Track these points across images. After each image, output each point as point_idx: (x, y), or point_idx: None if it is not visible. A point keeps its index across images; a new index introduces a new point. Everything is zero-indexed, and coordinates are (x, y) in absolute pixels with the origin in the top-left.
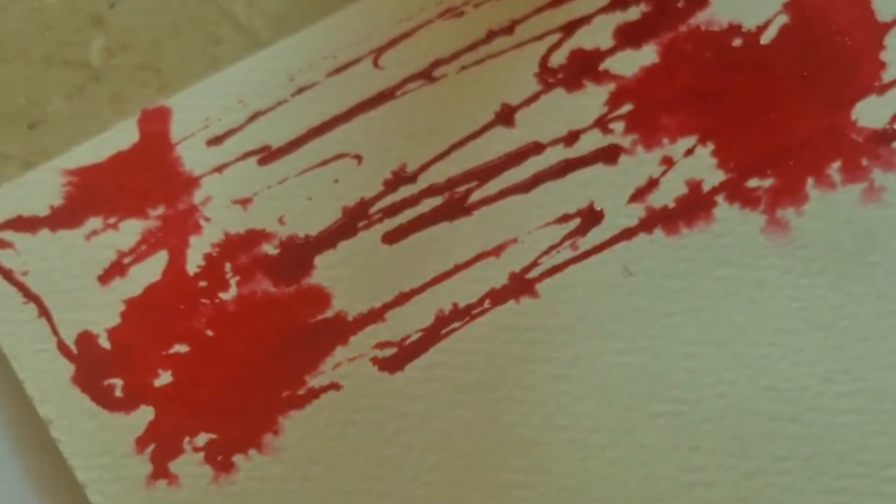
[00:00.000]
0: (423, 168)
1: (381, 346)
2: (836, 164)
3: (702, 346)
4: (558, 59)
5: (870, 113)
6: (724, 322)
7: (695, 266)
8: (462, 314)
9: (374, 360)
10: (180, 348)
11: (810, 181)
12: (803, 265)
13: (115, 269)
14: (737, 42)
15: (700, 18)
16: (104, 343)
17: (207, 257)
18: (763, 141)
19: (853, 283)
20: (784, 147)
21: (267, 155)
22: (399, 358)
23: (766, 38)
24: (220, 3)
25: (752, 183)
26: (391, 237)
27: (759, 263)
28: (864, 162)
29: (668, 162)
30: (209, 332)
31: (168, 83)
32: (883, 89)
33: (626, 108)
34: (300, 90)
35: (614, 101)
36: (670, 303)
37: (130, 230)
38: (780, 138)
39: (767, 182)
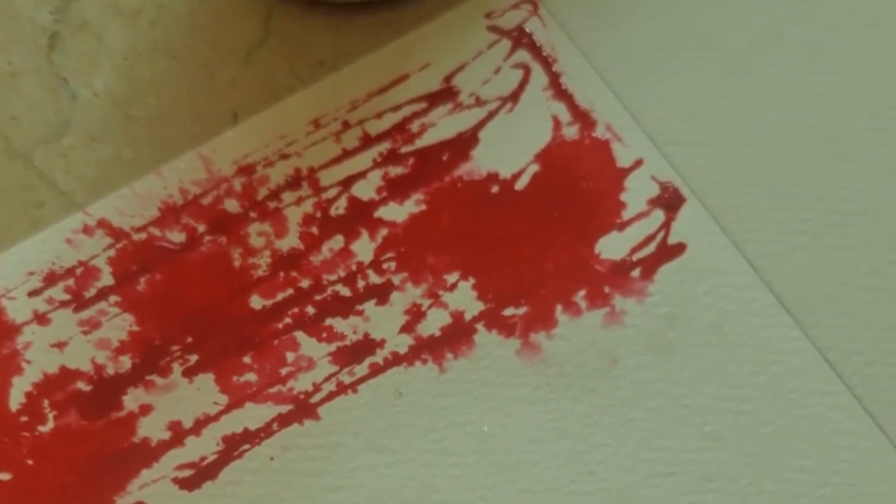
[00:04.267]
0: None
1: (181, 467)
2: (582, 292)
3: (464, 455)
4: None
5: (611, 247)
6: (483, 434)
7: (458, 386)
8: (252, 437)
9: (175, 480)
10: (3, 476)
11: (559, 308)
12: (553, 381)
13: None
14: (494, 189)
15: (462, 170)
16: None
17: (28, 395)
18: (517, 274)
19: (597, 396)
20: (536, 279)
21: (81, 303)
22: (196, 477)
23: (520, 185)
24: (41, 170)
25: (508, 311)
26: (190, 372)
27: (514, 382)
28: (607, 290)
29: (434, 296)
30: (29, 462)
31: None
32: (623, 226)
33: (397, 250)
34: (111, 245)
35: (386, 244)
36: (436, 419)
37: None
38: (532, 271)
39: (521, 310)
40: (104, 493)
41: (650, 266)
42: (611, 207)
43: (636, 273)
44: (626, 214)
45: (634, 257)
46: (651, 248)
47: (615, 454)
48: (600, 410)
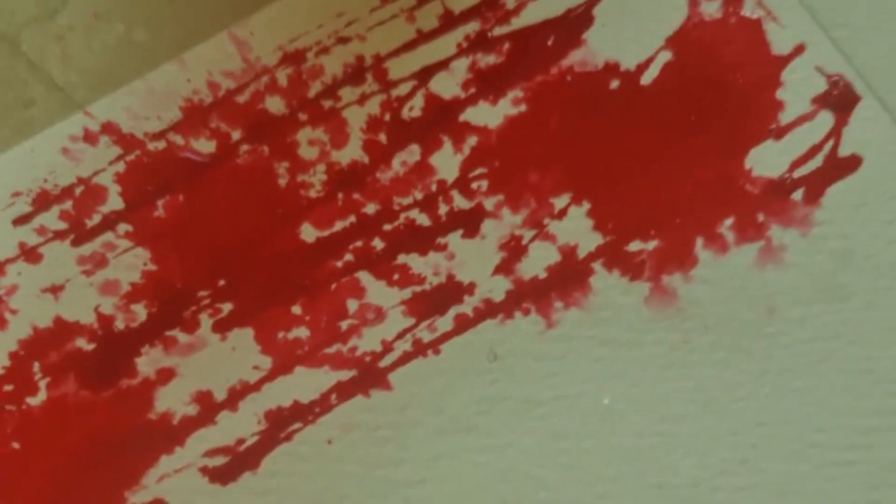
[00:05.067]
0: None
1: (212, 453)
2: (729, 222)
3: (578, 439)
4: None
5: (766, 160)
6: (603, 409)
7: (570, 345)
8: (304, 413)
9: (204, 470)
10: None
11: (699, 242)
12: (693, 340)
13: None
14: (614, 84)
15: (573, 58)
16: None
17: (13, 356)
18: (645, 197)
19: (749, 358)
20: (669, 204)
21: (81, 234)
22: (232, 467)
23: (647, 79)
24: (31, 57)
25: (634, 246)
26: (222, 326)
27: (643, 339)
28: (761, 217)
29: (538, 225)
30: (15, 445)
31: None
32: (780, 133)
33: (490, 165)
34: (119, 157)
35: (476, 157)
36: (542, 389)
37: None
38: (664, 194)
39: (651, 245)
40: (112, 487)
41: (816, 186)
42: (764, 108)
43: (798, 195)
44: (785, 118)
45: (795, 174)
46: (817, 161)
47: (775, 436)
48: (754, 379)
